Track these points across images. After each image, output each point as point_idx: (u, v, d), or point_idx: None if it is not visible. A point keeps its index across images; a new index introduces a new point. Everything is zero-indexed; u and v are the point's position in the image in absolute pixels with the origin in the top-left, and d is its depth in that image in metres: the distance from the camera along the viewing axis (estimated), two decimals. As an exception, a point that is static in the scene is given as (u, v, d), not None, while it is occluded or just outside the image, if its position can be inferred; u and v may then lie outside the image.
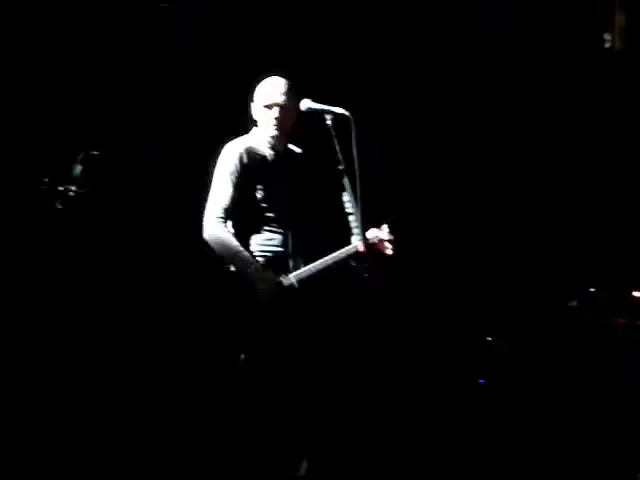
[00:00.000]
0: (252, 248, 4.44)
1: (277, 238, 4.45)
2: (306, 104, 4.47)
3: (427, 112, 7.07)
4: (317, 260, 4.41)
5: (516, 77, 6.94)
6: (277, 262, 4.42)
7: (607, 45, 6.14)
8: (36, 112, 6.43)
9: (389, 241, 4.55)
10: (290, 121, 4.56)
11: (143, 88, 6.65)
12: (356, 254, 4.43)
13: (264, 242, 4.45)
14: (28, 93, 6.38)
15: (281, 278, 4.38)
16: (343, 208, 4.47)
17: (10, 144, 6.36)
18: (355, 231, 4.44)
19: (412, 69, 7.00)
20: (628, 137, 6.85)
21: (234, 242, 4.36)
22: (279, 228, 4.46)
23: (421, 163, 7.12)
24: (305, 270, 4.40)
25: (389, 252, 4.55)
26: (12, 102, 6.32)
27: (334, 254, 4.43)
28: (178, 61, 6.72)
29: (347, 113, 4.34)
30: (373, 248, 4.49)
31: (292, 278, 4.39)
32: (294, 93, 4.60)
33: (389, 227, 4.59)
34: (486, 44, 6.88)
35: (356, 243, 4.44)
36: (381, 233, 4.57)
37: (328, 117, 4.37)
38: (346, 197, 4.35)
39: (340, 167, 4.28)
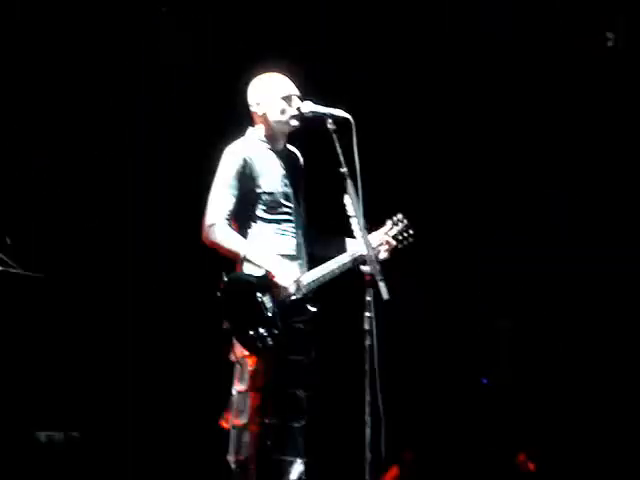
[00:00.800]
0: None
1: (283, 241, 4.39)
2: (308, 106, 4.41)
3: (427, 112, 7.08)
4: (320, 264, 4.35)
5: (516, 77, 6.95)
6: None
7: (610, 44, 6.10)
8: (36, 112, 6.44)
9: (394, 235, 4.47)
10: None
11: (143, 88, 6.66)
12: (360, 258, 4.34)
13: (270, 246, 4.37)
14: (28, 93, 6.39)
15: (301, 278, 4.33)
16: (344, 211, 4.39)
17: (10, 144, 6.38)
18: (357, 234, 4.35)
19: (412, 69, 7.01)
20: (628, 136, 6.87)
21: (244, 240, 4.29)
22: (284, 231, 4.40)
23: (421, 163, 7.13)
24: (313, 274, 4.34)
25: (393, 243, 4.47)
26: (12, 102, 6.33)
27: (337, 259, 4.37)
28: (178, 61, 6.72)
29: (348, 116, 4.30)
30: (387, 246, 4.44)
31: (306, 280, 4.33)
32: None
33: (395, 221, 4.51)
34: (486, 44, 6.89)
35: (358, 247, 4.36)
36: (384, 230, 4.48)
37: (329, 119, 4.32)
38: (347, 200, 4.27)
39: (342, 170, 4.23)
